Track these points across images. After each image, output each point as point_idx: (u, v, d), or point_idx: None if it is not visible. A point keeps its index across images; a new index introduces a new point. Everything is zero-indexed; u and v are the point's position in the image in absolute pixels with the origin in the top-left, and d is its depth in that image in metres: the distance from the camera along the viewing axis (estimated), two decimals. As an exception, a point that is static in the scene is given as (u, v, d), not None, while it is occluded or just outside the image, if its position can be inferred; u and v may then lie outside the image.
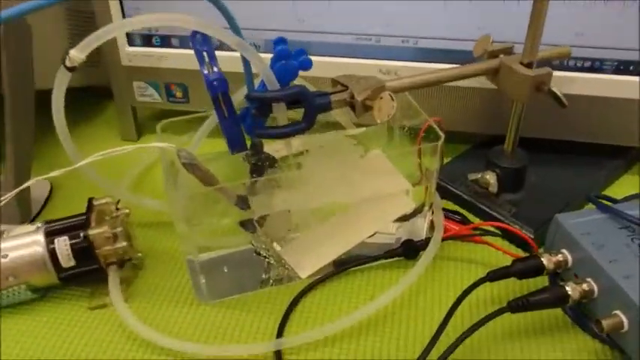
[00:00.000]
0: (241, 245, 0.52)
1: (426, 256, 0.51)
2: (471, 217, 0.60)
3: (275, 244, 0.52)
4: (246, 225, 0.51)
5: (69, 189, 0.65)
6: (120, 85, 0.72)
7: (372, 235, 0.54)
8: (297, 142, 0.55)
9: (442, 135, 0.50)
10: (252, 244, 0.53)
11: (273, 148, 0.55)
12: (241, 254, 0.52)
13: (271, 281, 0.54)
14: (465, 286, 0.47)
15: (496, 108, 0.62)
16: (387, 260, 0.54)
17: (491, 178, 0.60)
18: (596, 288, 0.44)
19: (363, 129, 0.57)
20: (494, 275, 0.48)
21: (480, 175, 0.61)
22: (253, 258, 0.52)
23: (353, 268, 0.54)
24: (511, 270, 0.48)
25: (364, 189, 0.52)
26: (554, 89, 0.51)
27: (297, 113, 0.46)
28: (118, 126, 0.76)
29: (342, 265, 0.53)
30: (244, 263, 0.53)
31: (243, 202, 0.48)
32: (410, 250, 0.54)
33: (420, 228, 0.56)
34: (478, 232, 0.57)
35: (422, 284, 0.52)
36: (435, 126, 0.50)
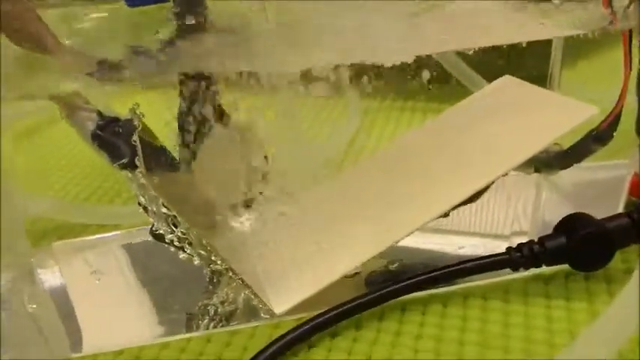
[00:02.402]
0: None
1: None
2: None
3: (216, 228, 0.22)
4: (103, 143, 0.21)
5: None
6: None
7: (469, 200, 0.22)
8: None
9: None
10: (141, 206, 0.22)
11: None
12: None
13: (207, 318, 0.23)
14: None
15: None
16: (505, 276, 0.21)
17: None
18: None
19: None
20: None
21: None
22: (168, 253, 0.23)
23: (417, 293, 0.21)
24: None
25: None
26: None
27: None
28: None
29: (389, 285, 0.21)
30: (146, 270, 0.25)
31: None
32: (596, 245, 0.20)
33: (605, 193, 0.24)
34: None
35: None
36: None
